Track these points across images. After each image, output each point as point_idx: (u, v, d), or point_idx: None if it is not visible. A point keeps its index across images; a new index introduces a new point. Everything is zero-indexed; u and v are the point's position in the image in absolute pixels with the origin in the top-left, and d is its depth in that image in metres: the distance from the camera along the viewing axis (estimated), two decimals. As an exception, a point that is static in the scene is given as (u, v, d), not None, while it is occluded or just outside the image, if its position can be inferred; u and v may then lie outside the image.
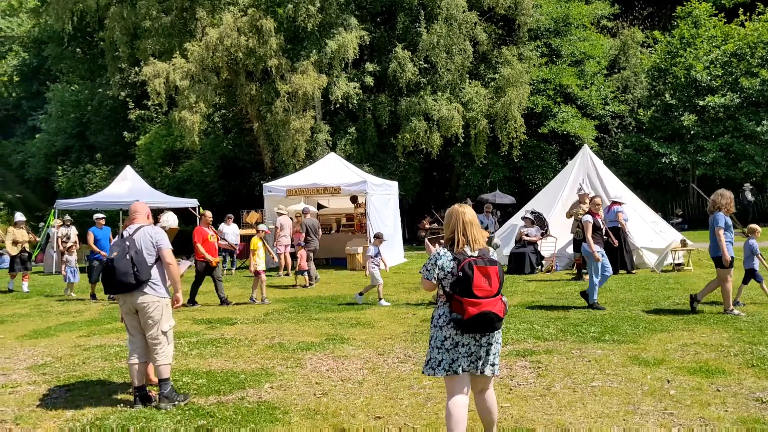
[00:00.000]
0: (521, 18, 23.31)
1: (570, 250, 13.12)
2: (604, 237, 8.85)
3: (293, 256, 14.02)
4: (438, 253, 3.73)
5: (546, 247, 13.72)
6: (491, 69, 24.35)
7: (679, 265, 12.55)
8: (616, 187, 13.99)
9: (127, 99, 29.84)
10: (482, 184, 24.53)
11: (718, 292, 8.00)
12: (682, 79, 24.66)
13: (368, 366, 5.96)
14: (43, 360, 6.72)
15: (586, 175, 14.16)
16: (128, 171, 20.44)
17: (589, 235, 8.46)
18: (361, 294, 10.03)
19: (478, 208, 18.48)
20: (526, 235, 13.62)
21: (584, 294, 8.68)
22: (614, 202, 12.66)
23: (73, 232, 16.40)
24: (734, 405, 4.51)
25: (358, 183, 15.68)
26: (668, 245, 12.71)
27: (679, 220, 22.68)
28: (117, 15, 22.38)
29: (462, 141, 22.50)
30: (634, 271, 12.30)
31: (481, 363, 3.67)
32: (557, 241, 13.55)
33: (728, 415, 4.32)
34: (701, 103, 23.71)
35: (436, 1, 22.01)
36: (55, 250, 17.47)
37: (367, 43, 22.19)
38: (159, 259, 5.05)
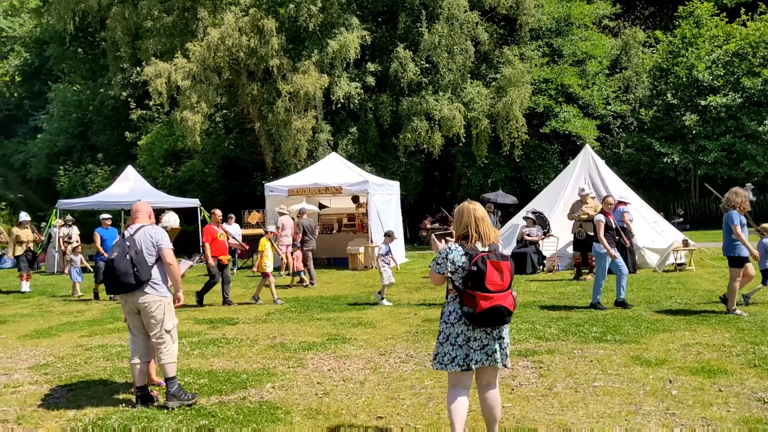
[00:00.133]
0: (523, 18, 23.31)
1: (571, 249, 13.10)
2: (616, 237, 8.81)
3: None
4: (449, 248, 3.78)
5: (547, 247, 13.71)
6: (493, 69, 24.35)
7: (681, 265, 12.54)
8: (617, 187, 13.97)
9: (129, 99, 29.88)
10: (484, 184, 24.53)
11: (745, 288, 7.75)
12: (684, 79, 24.65)
13: (370, 366, 5.96)
14: (45, 360, 6.73)
15: (588, 175, 14.14)
16: (130, 171, 20.45)
17: (601, 234, 8.42)
18: (379, 293, 9.87)
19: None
20: (528, 234, 13.61)
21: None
22: (620, 202, 12.63)
23: (75, 231, 16.42)
24: (736, 405, 4.50)
25: (359, 183, 15.68)
26: (670, 245, 12.70)
27: (681, 219, 22.67)
28: (119, 15, 22.42)
29: (463, 141, 22.50)
30: (636, 272, 12.29)
31: (497, 355, 3.75)
32: (559, 240, 13.54)
33: (730, 416, 4.31)
34: (703, 102, 23.70)
35: (438, 1, 22.01)
36: (56, 250, 17.48)
37: (369, 42, 22.19)
38: (160, 259, 5.04)
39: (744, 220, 7.65)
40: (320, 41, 21.49)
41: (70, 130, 35.12)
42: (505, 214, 21.31)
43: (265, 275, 10.36)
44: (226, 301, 10.41)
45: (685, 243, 12.70)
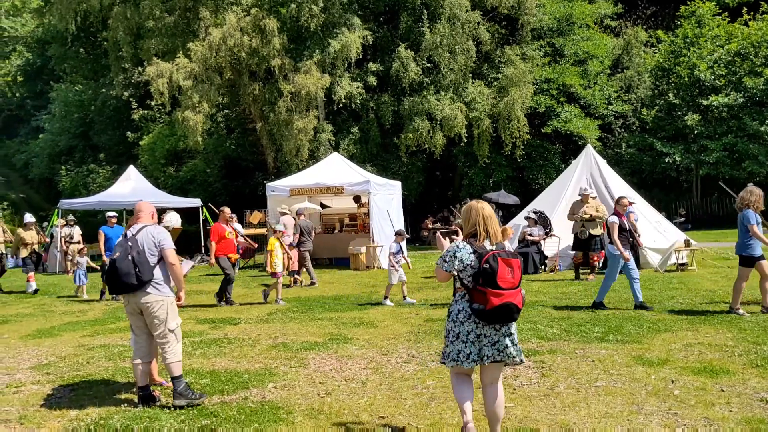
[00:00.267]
0: (524, 17, 23.30)
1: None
2: (630, 239, 8.79)
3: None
4: (457, 246, 3.80)
5: (549, 247, 13.69)
6: (494, 69, 24.35)
7: (682, 265, 12.52)
8: (619, 187, 13.95)
9: (131, 99, 29.91)
10: (485, 184, 24.52)
11: (743, 291, 7.66)
12: (686, 79, 24.61)
13: (372, 366, 5.96)
14: (47, 360, 6.74)
15: (590, 175, 14.12)
16: (131, 171, 20.47)
17: (615, 236, 8.40)
18: (405, 297, 9.77)
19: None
20: (530, 234, 13.60)
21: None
22: None
23: (77, 231, 16.44)
24: (738, 405, 4.50)
25: (361, 183, 15.68)
26: (672, 245, 12.68)
27: (683, 219, 22.64)
28: (120, 15, 22.44)
29: (465, 141, 22.49)
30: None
31: (509, 350, 3.79)
32: (560, 240, 13.53)
33: (732, 416, 4.31)
34: (705, 102, 23.66)
35: (439, 1, 22.01)
36: (58, 250, 17.50)
37: (370, 42, 22.20)
38: (162, 259, 5.04)
39: (759, 219, 7.59)
40: (322, 41, 21.49)
41: (71, 130, 35.15)
42: (506, 214, 21.29)
43: (274, 275, 10.37)
44: (228, 301, 10.42)
45: (687, 243, 12.69)
